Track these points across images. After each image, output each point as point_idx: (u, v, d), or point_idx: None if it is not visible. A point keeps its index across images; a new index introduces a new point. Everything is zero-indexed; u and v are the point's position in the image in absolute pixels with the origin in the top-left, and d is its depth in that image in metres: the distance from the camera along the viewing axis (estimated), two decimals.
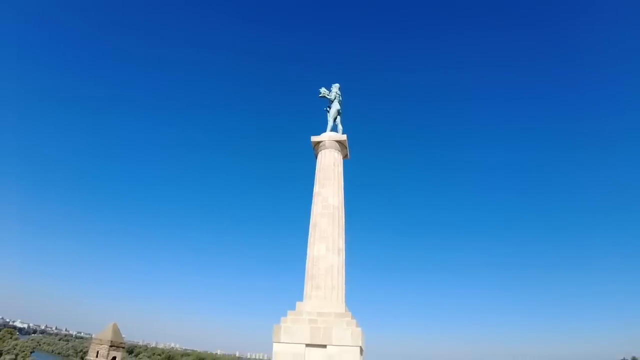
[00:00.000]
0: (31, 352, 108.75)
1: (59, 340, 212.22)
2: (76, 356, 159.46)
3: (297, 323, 16.30)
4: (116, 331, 28.68)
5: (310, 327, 15.99)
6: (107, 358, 24.46)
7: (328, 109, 22.71)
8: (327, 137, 21.24)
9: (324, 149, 20.95)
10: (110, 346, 24.96)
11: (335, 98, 22.79)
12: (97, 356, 24.65)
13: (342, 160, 21.41)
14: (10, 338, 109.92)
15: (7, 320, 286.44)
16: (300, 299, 17.82)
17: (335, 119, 22.41)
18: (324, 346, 15.60)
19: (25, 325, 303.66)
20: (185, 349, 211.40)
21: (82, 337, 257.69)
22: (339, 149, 21.26)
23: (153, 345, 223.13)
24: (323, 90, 22.90)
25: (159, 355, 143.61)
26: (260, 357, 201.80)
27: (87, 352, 24.33)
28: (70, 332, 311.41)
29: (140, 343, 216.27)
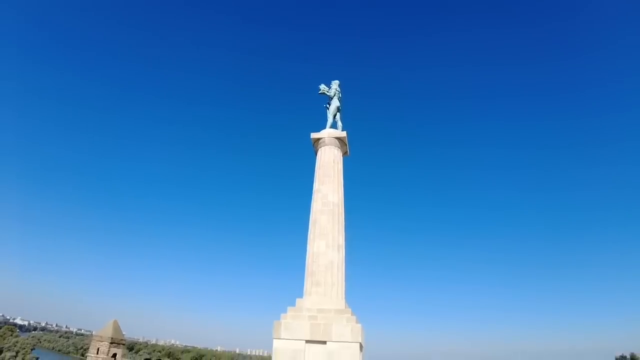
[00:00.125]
0: (32, 349, 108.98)
1: (60, 337, 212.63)
2: (77, 353, 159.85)
3: (297, 319, 16.34)
4: (117, 328, 28.76)
5: (310, 323, 16.03)
6: (107, 355, 24.52)
7: (328, 105, 22.65)
8: (327, 133, 21.20)
9: (323, 146, 20.92)
10: (111, 343, 25.03)
11: (334, 95, 22.71)
12: (97, 353, 24.68)
13: (341, 157, 21.38)
14: (11, 335, 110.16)
15: (8, 317, 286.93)
16: (300, 295, 17.85)
17: (334, 115, 22.35)
18: (324, 342, 15.64)
19: (26, 323, 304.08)
20: (186, 346, 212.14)
21: (82, 334, 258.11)
22: (339, 145, 21.23)
23: (153, 342, 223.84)
24: (322, 87, 22.82)
25: (159, 352, 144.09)
26: (261, 354, 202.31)
27: (88, 349, 24.38)
28: (71, 329, 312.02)
29: (141, 340, 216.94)
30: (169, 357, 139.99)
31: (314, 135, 21.52)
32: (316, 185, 20.02)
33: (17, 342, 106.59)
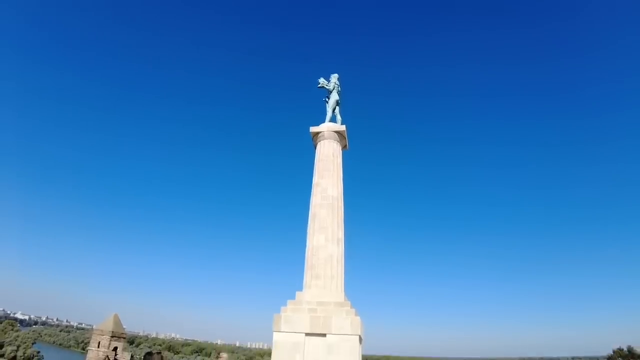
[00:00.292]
0: (33, 344, 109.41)
1: (60, 331, 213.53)
2: (78, 347, 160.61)
3: (297, 312, 16.41)
4: (117, 322, 28.85)
5: (310, 316, 16.10)
6: (108, 348, 24.60)
7: (327, 99, 22.58)
8: (326, 127, 21.16)
9: (323, 140, 20.89)
10: (112, 337, 25.12)
11: (334, 89, 22.62)
12: (99, 346, 24.77)
13: (341, 151, 21.36)
14: (12, 330, 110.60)
15: (9, 312, 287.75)
16: (300, 289, 17.91)
17: (334, 109, 22.29)
18: (324, 335, 15.72)
19: (27, 317, 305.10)
20: (186, 339, 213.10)
21: (83, 328, 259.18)
22: (338, 139, 21.20)
23: (154, 335, 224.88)
24: (322, 80, 22.73)
25: (160, 345, 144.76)
26: (261, 347, 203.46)
27: (89, 342, 24.45)
28: (72, 323, 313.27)
29: (141, 334, 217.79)
30: (169, 351, 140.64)
31: (313, 129, 21.48)
32: (315, 179, 20.02)
33: (18, 336, 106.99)
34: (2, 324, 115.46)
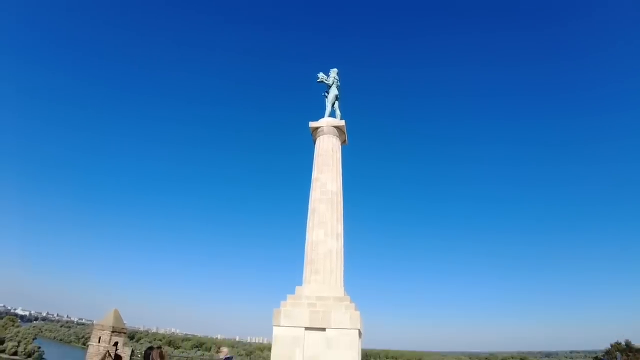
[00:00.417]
0: (33, 339, 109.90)
1: (61, 327, 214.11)
2: (78, 342, 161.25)
3: (297, 307, 16.48)
4: (117, 317, 29.00)
5: (310, 310, 16.17)
6: (109, 343, 24.69)
7: (326, 94, 22.53)
8: (325, 122, 21.14)
9: (322, 135, 20.88)
10: (112, 332, 25.18)
11: (333, 83, 22.57)
12: (99, 342, 24.85)
13: (340, 145, 21.37)
14: (13, 325, 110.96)
15: (9, 308, 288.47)
16: (300, 283, 17.98)
17: (333, 104, 22.25)
18: (323, 329, 15.79)
19: (27, 313, 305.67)
20: (186, 334, 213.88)
21: (83, 324, 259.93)
22: (337, 134, 21.19)
23: (154, 330, 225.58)
24: (321, 75, 22.68)
25: (160, 340, 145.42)
26: (260, 341, 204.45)
27: (90, 337, 24.52)
28: (72, 318, 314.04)
29: (141, 329, 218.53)
30: (169, 346, 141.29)
31: (312, 124, 21.47)
32: (315, 174, 20.03)
33: (18, 332, 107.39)
34: (3, 320, 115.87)
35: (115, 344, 23.69)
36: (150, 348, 9.30)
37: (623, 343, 49.25)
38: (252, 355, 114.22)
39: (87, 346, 23.81)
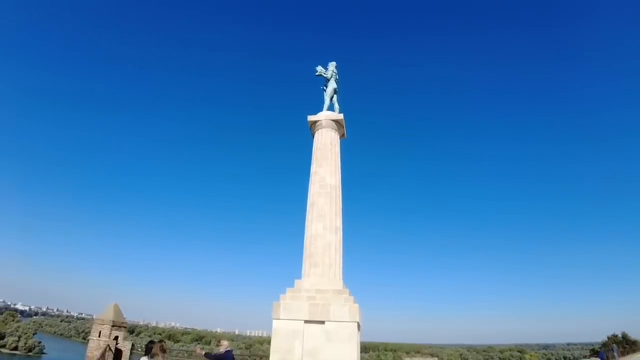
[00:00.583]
0: (34, 334, 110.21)
1: (61, 321, 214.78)
2: (78, 337, 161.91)
3: (296, 300, 16.56)
4: (117, 311, 29.11)
5: (309, 303, 16.25)
6: (109, 337, 24.81)
7: (324, 88, 22.46)
8: (324, 116, 21.10)
9: (320, 129, 20.85)
10: (112, 326, 25.30)
11: (331, 77, 22.48)
12: (99, 336, 24.98)
13: (339, 139, 21.35)
14: (13, 321, 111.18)
15: (9, 303, 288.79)
16: (299, 277, 18.05)
17: (331, 97, 22.19)
18: (322, 322, 15.88)
19: (27, 308, 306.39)
20: (186, 328, 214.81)
21: (83, 318, 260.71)
22: (336, 128, 21.16)
23: (154, 324, 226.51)
24: (319, 68, 22.59)
25: (160, 334, 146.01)
26: (260, 335, 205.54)
27: (90, 332, 24.64)
28: (72, 313, 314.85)
29: (141, 323, 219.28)
30: (169, 339, 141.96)
31: (310, 117, 21.42)
32: (314, 168, 20.03)
33: (19, 327, 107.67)
34: (3, 315, 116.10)
35: (116, 338, 23.80)
36: (152, 342, 9.31)
37: (620, 335, 49.68)
38: (251, 349, 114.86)
39: (88, 340, 23.90)
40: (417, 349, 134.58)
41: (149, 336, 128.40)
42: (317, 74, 22.56)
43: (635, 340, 47.92)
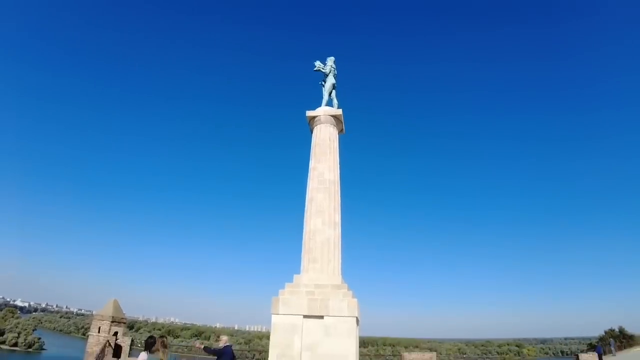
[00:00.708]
0: (33, 330, 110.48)
1: (61, 317, 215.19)
2: (78, 332, 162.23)
3: (295, 295, 16.61)
4: (117, 307, 29.09)
5: (308, 298, 16.30)
6: (109, 333, 24.83)
7: (323, 83, 22.41)
8: (323, 111, 21.06)
9: (319, 124, 20.82)
10: (112, 322, 25.29)
11: (330, 72, 22.42)
12: (99, 332, 24.99)
13: (337, 135, 21.33)
14: (12, 317, 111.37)
15: (8, 299, 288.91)
16: (298, 272, 18.10)
17: (330, 93, 22.14)
18: (321, 317, 15.94)
19: (26, 304, 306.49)
20: (185, 323, 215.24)
21: (83, 314, 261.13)
22: (335, 123, 21.12)
23: (153, 320, 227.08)
24: (318, 63, 22.52)
25: (159, 329, 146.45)
26: (259, 330, 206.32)
27: (89, 328, 24.65)
28: (71, 309, 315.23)
29: (141, 318, 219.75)
30: (169, 335, 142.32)
31: (309, 113, 21.38)
32: (312, 164, 20.02)
33: (18, 323, 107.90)
34: (3, 312, 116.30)
35: (115, 333, 23.86)
36: (151, 337, 9.33)
37: (617, 330, 49.97)
38: (251, 344, 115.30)
39: (87, 336, 23.94)
40: (415, 344, 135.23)
41: (149, 332, 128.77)
42: (315, 69, 22.49)
43: (632, 335, 48.21)
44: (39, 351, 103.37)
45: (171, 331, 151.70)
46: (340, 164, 20.61)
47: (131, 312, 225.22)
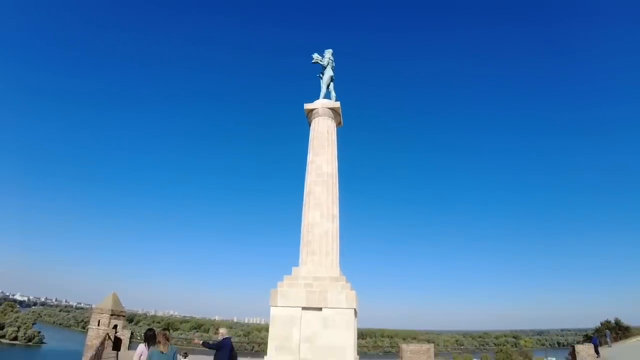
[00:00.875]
0: (33, 324, 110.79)
1: (60, 311, 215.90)
2: (78, 326, 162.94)
3: (294, 287, 16.69)
4: (116, 300, 29.21)
5: (306, 290, 16.39)
6: (108, 326, 24.96)
7: (321, 75, 22.29)
8: (320, 104, 20.99)
9: (317, 117, 20.76)
10: (111, 315, 25.40)
11: (328, 64, 22.32)
12: (98, 325, 25.11)
13: (335, 127, 21.28)
14: (12, 311, 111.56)
15: (7, 294, 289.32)
16: (297, 265, 18.18)
17: (328, 85, 22.05)
18: (320, 309, 16.05)
19: (26, 298, 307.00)
20: (184, 316, 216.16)
21: (82, 308, 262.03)
22: (333, 116, 21.07)
23: (152, 313, 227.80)
24: (316, 56, 22.39)
25: (159, 322, 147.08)
26: (258, 322, 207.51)
27: (89, 321, 24.78)
28: (71, 303, 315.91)
29: (140, 312, 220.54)
30: (168, 327, 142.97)
31: (307, 106, 21.30)
32: (310, 157, 20.01)
33: (18, 317, 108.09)
34: (2, 306, 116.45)
35: (115, 326, 23.96)
36: (150, 330, 9.36)
37: (613, 321, 50.45)
38: (249, 336, 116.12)
39: (87, 330, 24.04)
40: (413, 335, 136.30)
41: (148, 325, 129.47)
42: (313, 61, 22.36)
43: (627, 326, 48.71)
44: (39, 345, 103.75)
45: (170, 324, 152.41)
46: (338, 157, 20.60)
47: (130, 306, 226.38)
